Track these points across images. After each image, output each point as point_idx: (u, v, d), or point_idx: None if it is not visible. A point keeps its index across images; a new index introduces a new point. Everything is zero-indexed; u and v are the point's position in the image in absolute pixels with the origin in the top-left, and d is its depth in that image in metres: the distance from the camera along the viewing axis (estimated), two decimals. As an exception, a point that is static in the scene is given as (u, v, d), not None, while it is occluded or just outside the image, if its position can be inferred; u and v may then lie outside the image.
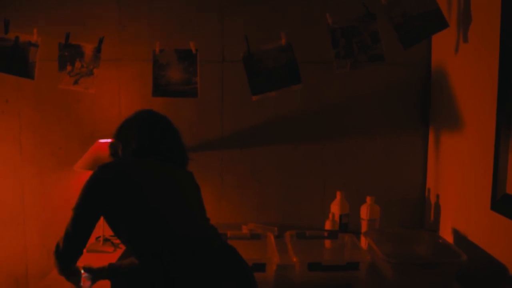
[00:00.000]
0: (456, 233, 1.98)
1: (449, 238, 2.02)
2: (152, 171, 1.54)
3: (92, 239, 2.19)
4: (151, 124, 1.63)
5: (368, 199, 2.12)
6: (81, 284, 1.53)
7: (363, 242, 2.05)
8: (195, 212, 1.57)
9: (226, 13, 2.31)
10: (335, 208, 2.15)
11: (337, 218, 2.13)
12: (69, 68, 2.09)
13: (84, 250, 2.06)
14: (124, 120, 1.67)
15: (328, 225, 2.13)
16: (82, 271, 1.52)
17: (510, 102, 1.59)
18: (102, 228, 2.11)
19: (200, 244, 1.44)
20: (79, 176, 2.31)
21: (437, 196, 2.20)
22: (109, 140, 2.16)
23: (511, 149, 1.58)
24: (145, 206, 1.44)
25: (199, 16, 2.30)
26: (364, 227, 2.12)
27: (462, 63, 1.98)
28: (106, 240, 2.15)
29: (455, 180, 2.04)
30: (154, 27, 2.29)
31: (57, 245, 1.46)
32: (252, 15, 2.31)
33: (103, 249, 2.08)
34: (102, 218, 1.50)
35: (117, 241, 2.17)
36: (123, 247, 1.99)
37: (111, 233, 2.23)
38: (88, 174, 2.36)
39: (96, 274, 1.52)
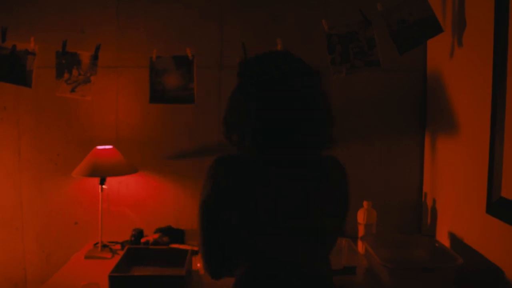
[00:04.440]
0: (453, 237, 1.98)
1: (445, 242, 2.02)
2: (277, 186, 1.21)
3: (90, 245, 2.20)
4: (273, 106, 1.18)
5: (365, 204, 2.12)
6: None
7: (360, 247, 2.05)
8: (307, 239, 1.26)
9: (225, 20, 2.32)
10: (332, 212, 2.16)
11: (334, 222, 2.14)
12: (66, 75, 2.10)
13: (82, 256, 2.08)
14: (237, 89, 1.24)
15: (325, 230, 2.14)
16: None
17: (504, 106, 1.60)
18: (100, 234, 2.11)
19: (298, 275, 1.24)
20: (77, 182, 2.32)
21: (434, 200, 2.20)
22: (107, 147, 2.18)
23: (506, 153, 1.59)
24: (257, 225, 1.21)
25: (198, 23, 2.31)
26: (361, 231, 2.12)
27: (457, 67, 1.99)
28: (104, 246, 2.15)
29: (451, 184, 2.05)
30: (153, 34, 2.30)
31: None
32: (251, 22, 2.32)
33: (101, 255, 2.07)
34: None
35: (115, 247, 2.17)
36: (121, 253, 1.97)
37: (110, 239, 2.25)
38: (85, 181, 2.37)
39: None
